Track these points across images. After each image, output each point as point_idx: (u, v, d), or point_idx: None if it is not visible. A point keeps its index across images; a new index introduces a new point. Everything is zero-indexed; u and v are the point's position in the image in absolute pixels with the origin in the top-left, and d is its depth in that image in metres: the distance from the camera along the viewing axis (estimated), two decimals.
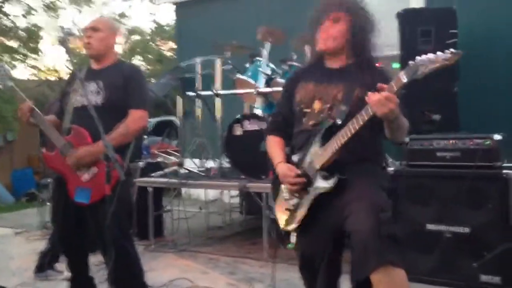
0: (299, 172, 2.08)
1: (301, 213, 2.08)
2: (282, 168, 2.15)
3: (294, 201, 2.12)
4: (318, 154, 2.03)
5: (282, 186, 2.18)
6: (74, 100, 2.86)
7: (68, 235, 3.00)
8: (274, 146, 2.30)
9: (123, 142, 2.75)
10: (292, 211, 2.12)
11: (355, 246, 1.81)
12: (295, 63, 4.71)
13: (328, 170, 2.00)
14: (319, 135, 2.04)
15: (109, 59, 2.95)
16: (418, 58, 1.75)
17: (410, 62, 1.77)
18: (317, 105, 2.12)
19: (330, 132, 2.01)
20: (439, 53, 1.74)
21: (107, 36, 2.90)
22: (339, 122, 2.00)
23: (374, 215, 1.82)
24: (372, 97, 1.80)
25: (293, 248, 2.12)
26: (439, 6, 4.70)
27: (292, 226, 2.12)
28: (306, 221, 2.09)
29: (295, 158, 2.15)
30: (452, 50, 1.74)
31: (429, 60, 1.74)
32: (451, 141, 3.24)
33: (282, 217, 2.19)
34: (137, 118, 2.81)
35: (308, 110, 2.14)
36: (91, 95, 2.79)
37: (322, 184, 2.00)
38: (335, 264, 2.15)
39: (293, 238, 2.12)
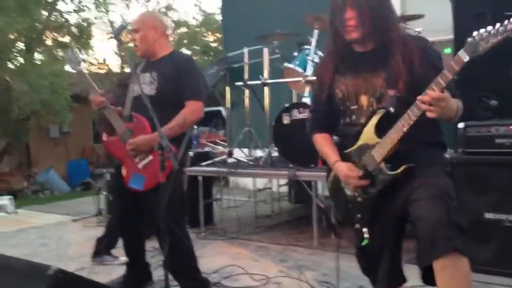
0: (361, 173, 2.01)
1: (368, 207, 2.03)
2: (342, 168, 2.06)
3: (359, 197, 2.06)
4: (377, 146, 1.95)
5: (345, 187, 2.12)
6: (133, 90, 2.96)
7: (125, 221, 3.11)
8: (324, 144, 2.21)
9: (179, 132, 2.84)
10: (358, 207, 2.08)
11: (422, 231, 1.77)
12: None
13: (389, 161, 1.94)
14: (372, 126, 1.97)
15: (161, 51, 3.01)
16: (476, 33, 1.66)
17: (469, 39, 1.67)
18: (364, 100, 2.03)
19: (384, 121, 1.94)
20: (498, 25, 1.63)
21: (147, 33, 2.95)
22: (392, 110, 1.94)
23: (444, 202, 1.78)
24: (421, 99, 1.75)
25: (368, 243, 2.06)
26: None
27: (361, 222, 2.08)
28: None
29: (351, 153, 2.07)
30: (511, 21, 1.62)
31: (490, 34, 1.63)
32: (511, 127, 3.11)
33: (347, 214, 2.14)
34: (194, 109, 2.89)
35: (355, 107, 2.06)
36: (145, 85, 2.88)
37: (388, 176, 1.94)
38: (398, 250, 2.11)
39: (366, 234, 2.05)
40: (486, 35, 1.64)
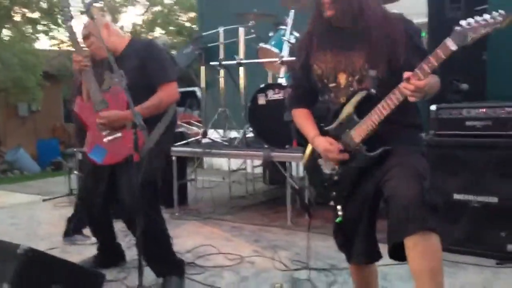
0: (341, 146, 2.00)
1: (344, 186, 2.05)
2: (322, 142, 2.05)
3: (335, 175, 2.07)
4: (356, 127, 1.96)
5: (320, 160, 2.11)
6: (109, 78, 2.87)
7: (92, 202, 3.05)
8: (303, 119, 2.19)
9: (154, 113, 2.77)
10: (334, 185, 2.08)
11: (395, 209, 1.79)
12: None
13: (367, 141, 1.95)
14: (353, 106, 1.97)
15: (120, 46, 2.91)
16: (464, 22, 1.66)
17: (457, 28, 1.66)
18: (342, 78, 2.01)
19: (364, 102, 1.95)
20: (486, 16, 1.64)
21: (98, 35, 2.82)
22: (373, 91, 1.94)
23: (417, 182, 1.80)
24: (406, 87, 1.76)
25: (341, 221, 2.07)
26: None
27: (335, 200, 2.09)
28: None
29: (330, 130, 2.06)
30: (501, 12, 1.64)
31: (479, 24, 1.64)
32: (482, 110, 3.17)
33: (322, 192, 2.15)
34: (169, 92, 2.84)
35: (333, 85, 2.04)
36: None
37: (365, 157, 1.96)
38: (372, 228, 2.14)
39: (340, 212, 2.06)
40: (476, 25, 1.64)
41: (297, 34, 4.68)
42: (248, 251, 3.61)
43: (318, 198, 2.25)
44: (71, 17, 2.86)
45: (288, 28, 4.59)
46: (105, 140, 2.79)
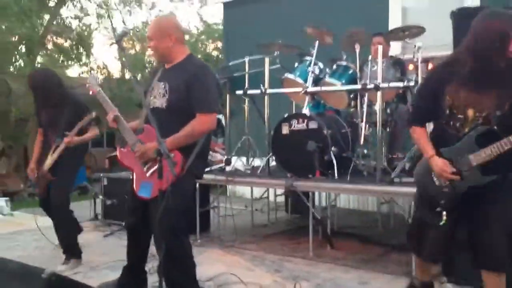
0: (454, 170, 2.40)
1: (451, 198, 2.45)
2: (439, 162, 2.45)
3: (446, 187, 2.47)
4: (475, 153, 2.33)
5: (435, 177, 2.51)
6: (149, 101, 2.96)
7: (136, 227, 3.11)
8: (422, 137, 2.57)
9: (186, 143, 2.82)
10: (443, 195, 2.48)
11: (477, 245, 2.39)
12: (344, 63, 4.65)
13: (483, 168, 2.34)
14: (474, 136, 2.33)
15: (176, 58, 2.98)
16: None
17: None
18: (470, 113, 2.34)
19: (485, 135, 2.29)
20: None
21: (159, 43, 2.92)
22: (495, 128, 2.26)
23: (504, 229, 2.31)
24: None
25: (445, 224, 2.46)
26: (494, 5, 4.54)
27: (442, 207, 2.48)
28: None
29: (446, 153, 2.45)
30: None
31: None
32: None
33: (432, 200, 2.53)
34: (204, 121, 2.85)
35: (461, 116, 2.38)
36: (159, 96, 2.92)
37: (479, 178, 2.36)
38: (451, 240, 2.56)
39: (444, 217, 2.46)
40: None
41: (321, 65, 4.74)
42: (269, 281, 3.58)
43: (428, 205, 2.58)
44: (98, 83, 3.15)
45: (313, 59, 4.65)
46: (147, 174, 2.86)
